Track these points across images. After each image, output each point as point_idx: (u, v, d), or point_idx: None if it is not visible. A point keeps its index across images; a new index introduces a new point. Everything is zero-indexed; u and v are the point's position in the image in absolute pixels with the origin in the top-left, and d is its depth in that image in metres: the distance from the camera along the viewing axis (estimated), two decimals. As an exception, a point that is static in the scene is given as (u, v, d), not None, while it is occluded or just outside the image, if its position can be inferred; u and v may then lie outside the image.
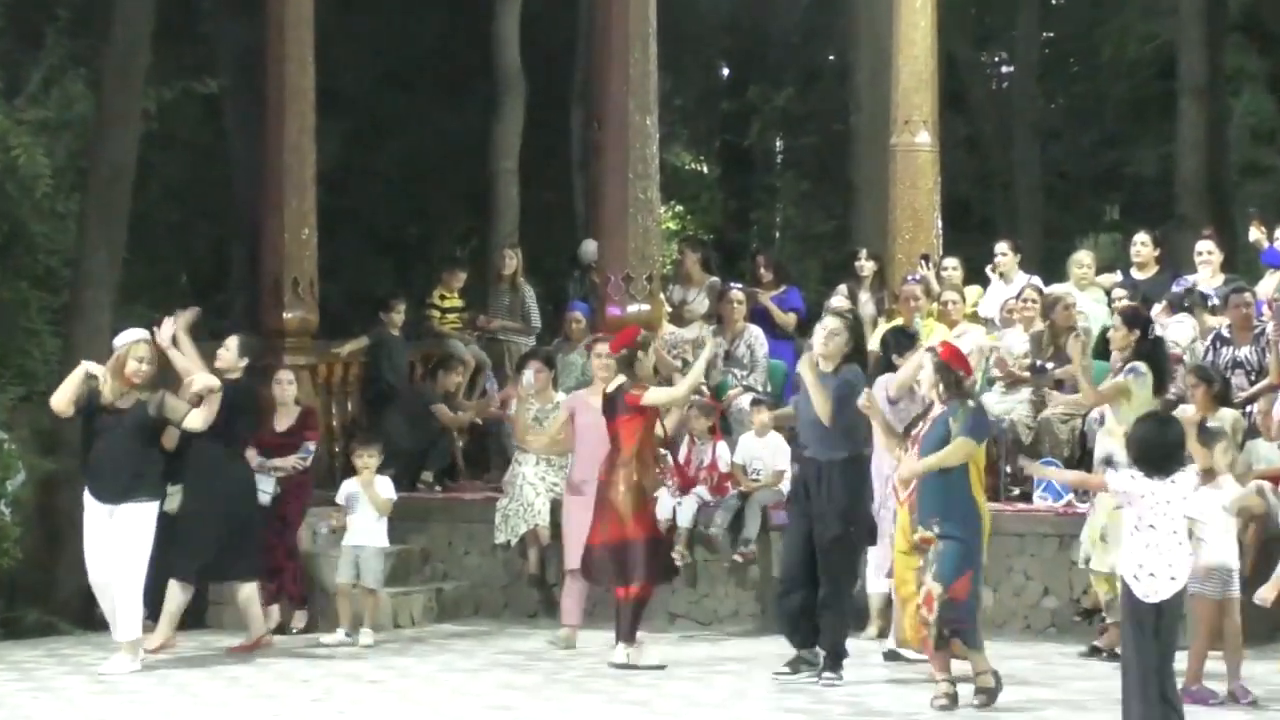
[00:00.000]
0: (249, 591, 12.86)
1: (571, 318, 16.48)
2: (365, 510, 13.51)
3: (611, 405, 12.25)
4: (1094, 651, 12.48)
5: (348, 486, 13.66)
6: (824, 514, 11.52)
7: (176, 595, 12.77)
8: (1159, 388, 12.28)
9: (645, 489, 12.21)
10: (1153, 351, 12.51)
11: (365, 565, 13.44)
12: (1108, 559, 12.12)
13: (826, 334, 11.69)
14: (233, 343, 13.06)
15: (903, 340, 12.58)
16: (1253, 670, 11.15)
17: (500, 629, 14.08)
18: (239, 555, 12.77)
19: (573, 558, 12.75)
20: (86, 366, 12.07)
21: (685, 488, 14.12)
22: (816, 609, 11.59)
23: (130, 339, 12.14)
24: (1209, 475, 10.68)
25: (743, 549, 14.01)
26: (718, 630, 14.08)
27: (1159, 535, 9.01)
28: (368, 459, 13.62)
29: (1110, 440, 12.27)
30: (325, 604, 13.77)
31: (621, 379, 12.24)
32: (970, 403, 10.84)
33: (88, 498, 12.00)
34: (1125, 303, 14.35)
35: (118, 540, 11.86)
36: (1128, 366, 12.34)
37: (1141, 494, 9.05)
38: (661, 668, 12.02)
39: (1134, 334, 12.51)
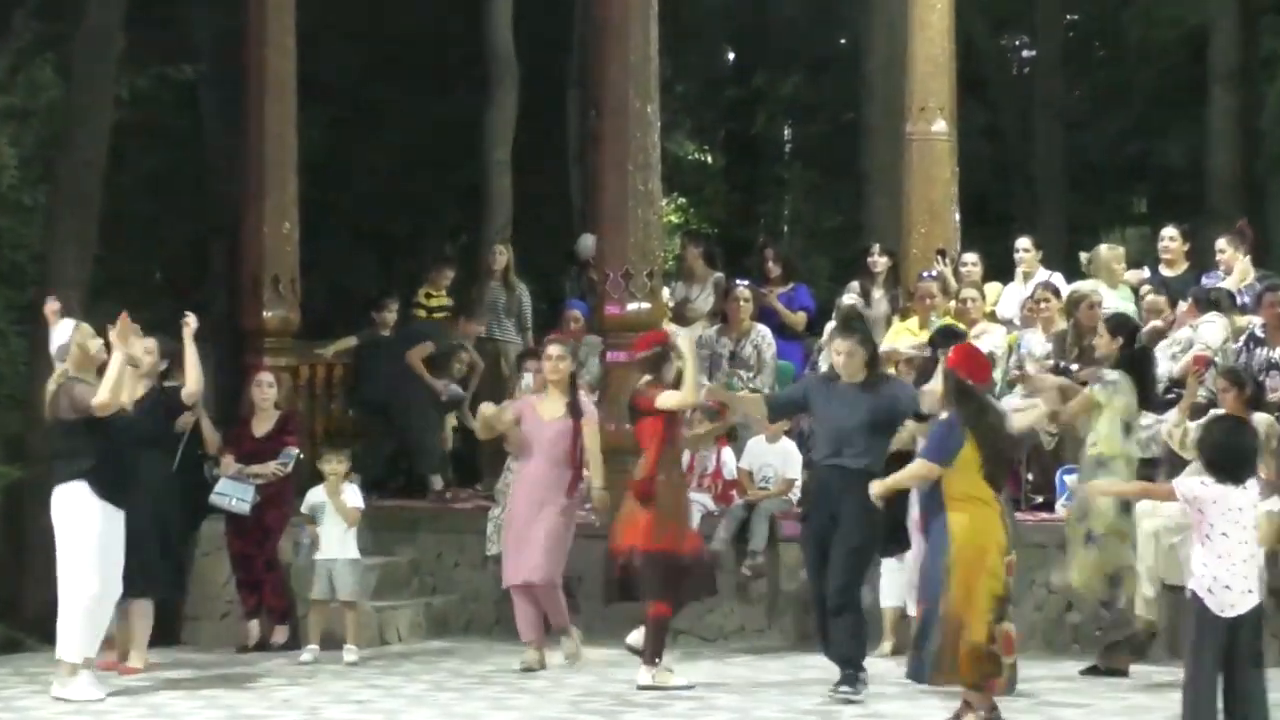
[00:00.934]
0: (143, 608, 12.76)
1: (569, 316, 16.44)
2: (333, 521, 13.46)
3: (632, 411, 12.25)
4: (1092, 670, 12.45)
5: (313, 496, 13.60)
6: (847, 521, 11.46)
7: (147, 613, 12.78)
8: (1144, 398, 12.27)
9: (666, 498, 12.06)
10: (1137, 360, 12.49)
11: (339, 579, 13.40)
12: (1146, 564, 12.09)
13: (845, 357, 11.63)
14: (152, 344, 12.84)
15: (950, 340, 12.39)
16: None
17: (492, 645, 14.04)
18: (143, 571, 12.46)
19: (508, 574, 12.87)
20: (123, 358, 11.50)
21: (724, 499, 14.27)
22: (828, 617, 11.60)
23: (65, 335, 11.77)
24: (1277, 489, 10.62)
25: (750, 563, 13.96)
26: (722, 647, 14.06)
27: (1231, 544, 8.91)
28: (336, 465, 13.57)
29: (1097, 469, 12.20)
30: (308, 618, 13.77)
31: (646, 380, 12.19)
32: (943, 414, 10.64)
33: (100, 503, 11.56)
34: (1149, 296, 14.39)
35: (116, 548, 11.75)
36: (1094, 376, 12.35)
37: (1213, 499, 8.97)
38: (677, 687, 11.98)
39: (1117, 341, 12.53)
